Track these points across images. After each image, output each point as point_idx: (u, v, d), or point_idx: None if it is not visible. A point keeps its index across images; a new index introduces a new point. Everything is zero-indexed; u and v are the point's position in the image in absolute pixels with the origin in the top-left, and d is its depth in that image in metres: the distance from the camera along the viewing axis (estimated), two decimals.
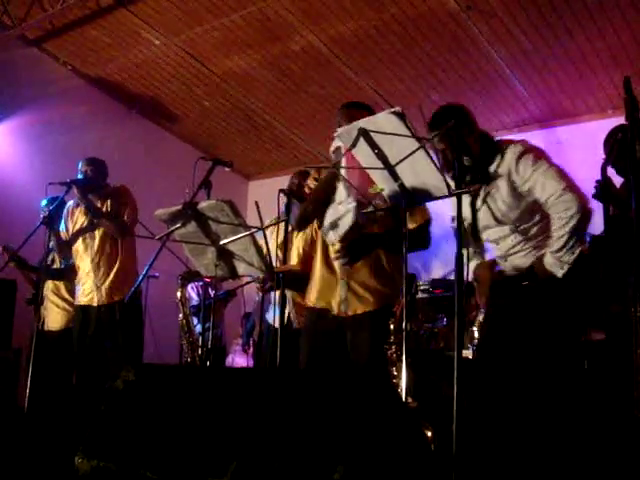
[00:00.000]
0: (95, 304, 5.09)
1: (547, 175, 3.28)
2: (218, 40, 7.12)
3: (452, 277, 2.84)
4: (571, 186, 3.26)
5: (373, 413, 2.05)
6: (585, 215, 3.25)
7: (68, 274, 5.54)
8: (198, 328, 5.93)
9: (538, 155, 3.37)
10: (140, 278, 3.79)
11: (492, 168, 3.42)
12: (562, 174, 3.32)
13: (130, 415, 2.43)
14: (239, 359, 7.19)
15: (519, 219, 3.39)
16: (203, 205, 3.41)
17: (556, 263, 3.25)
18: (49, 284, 5.77)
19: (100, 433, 2.42)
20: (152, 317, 6.41)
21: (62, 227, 5.36)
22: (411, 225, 3.65)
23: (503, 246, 3.47)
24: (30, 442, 3.49)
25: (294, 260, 4.04)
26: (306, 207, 3.73)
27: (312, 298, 3.73)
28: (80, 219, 5.29)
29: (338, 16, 6.50)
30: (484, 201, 3.46)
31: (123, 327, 5.00)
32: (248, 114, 8.43)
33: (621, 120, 3.42)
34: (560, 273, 3.25)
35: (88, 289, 5.16)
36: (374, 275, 3.61)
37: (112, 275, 5.11)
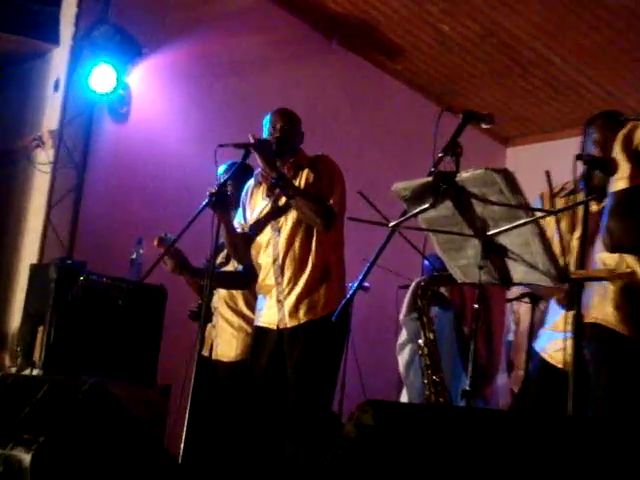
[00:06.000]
0: (274, 326, 5.09)
1: None
2: None
3: None
4: None
5: None
6: None
7: (247, 280, 5.56)
8: None
9: None
10: (354, 287, 3.91)
11: None
12: None
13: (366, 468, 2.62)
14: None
15: None
16: (465, 176, 3.41)
17: None
18: (221, 292, 5.80)
19: None
20: (355, 342, 6.64)
21: (239, 217, 5.38)
22: None
23: None
24: None
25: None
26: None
27: None
28: (260, 203, 5.28)
29: None
30: None
31: (313, 359, 4.99)
32: (508, 44, 8.41)
33: None
34: None
35: (267, 304, 5.16)
36: None
37: (302, 284, 5.06)
